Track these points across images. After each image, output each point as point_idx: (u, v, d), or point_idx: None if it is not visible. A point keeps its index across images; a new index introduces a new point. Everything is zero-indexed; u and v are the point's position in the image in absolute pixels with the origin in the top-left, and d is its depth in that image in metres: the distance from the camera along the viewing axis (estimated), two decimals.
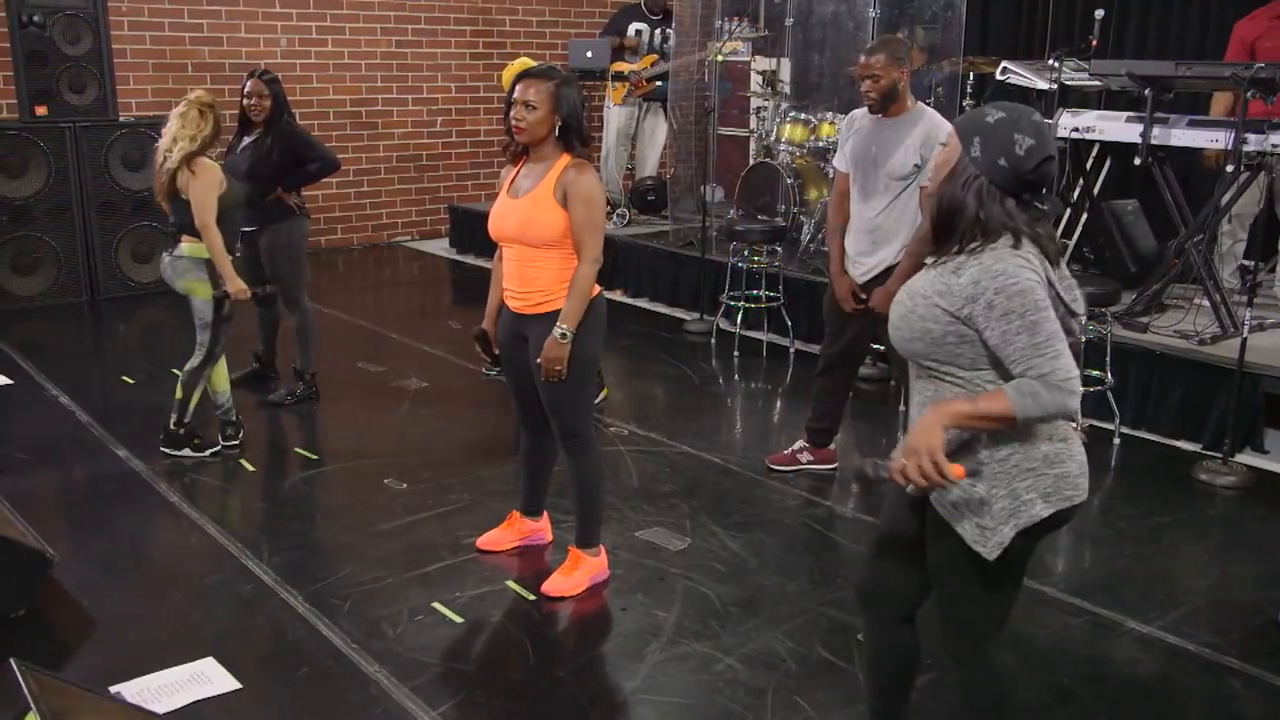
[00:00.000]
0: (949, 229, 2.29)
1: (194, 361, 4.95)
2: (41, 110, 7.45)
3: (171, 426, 4.99)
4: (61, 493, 4.83)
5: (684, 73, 9.03)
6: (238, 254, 5.07)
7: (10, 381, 6.07)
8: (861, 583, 2.72)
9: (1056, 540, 4.43)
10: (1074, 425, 2.37)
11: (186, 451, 5.01)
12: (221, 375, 5.08)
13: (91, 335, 5.21)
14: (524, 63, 6.37)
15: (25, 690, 2.42)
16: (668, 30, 9.07)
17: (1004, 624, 2.49)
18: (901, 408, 5.54)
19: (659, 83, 9.03)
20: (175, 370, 6.08)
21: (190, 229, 4.75)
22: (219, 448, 5.00)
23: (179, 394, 4.97)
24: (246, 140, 5.54)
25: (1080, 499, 2.35)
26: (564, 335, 3.53)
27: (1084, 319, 2.40)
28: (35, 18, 7.40)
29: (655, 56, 8.97)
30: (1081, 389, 2.22)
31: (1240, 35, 6.44)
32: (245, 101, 5.50)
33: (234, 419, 5.13)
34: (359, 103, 10.00)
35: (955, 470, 2.21)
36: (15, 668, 2.52)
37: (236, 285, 4.80)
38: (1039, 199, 2.30)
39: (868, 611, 2.72)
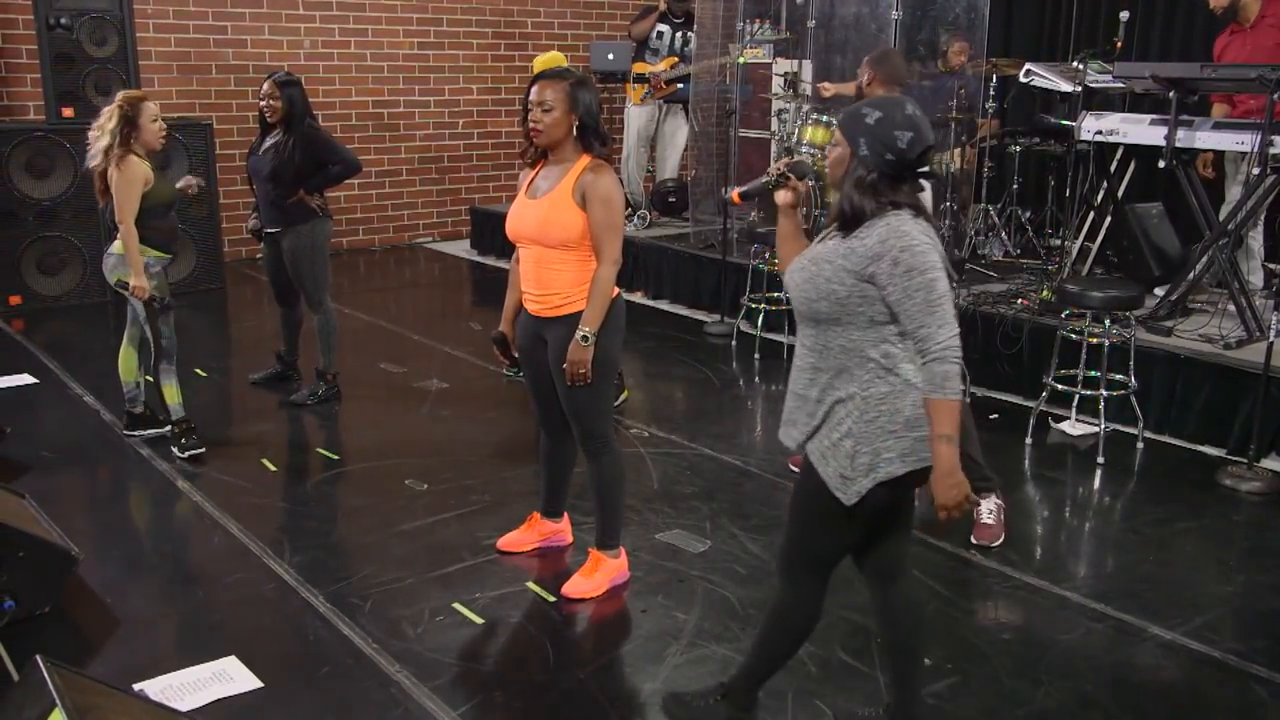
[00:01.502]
0: (857, 219, 2.57)
1: (151, 360, 5.02)
2: (68, 112, 7.51)
3: (167, 430, 5.11)
4: (86, 491, 4.86)
5: (705, 75, 9.02)
6: (174, 253, 5.13)
7: (36, 380, 6.13)
8: (779, 549, 3.00)
9: (1079, 544, 4.41)
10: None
11: (150, 431, 5.20)
12: (129, 365, 5.17)
13: (115, 335, 5.24)
14: (555, 56, 6.44)
15: (51, 687, 2.44)
16: (689, 33, 9.07)
17: (833, 562, 2.81)
18: None
19: (679, 85, 9.02)
20: (199, 370, 6.17)
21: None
22: (187, 455, 5.01)
23: (160, 396, 5.04)
24: (269, 142, 5.57)
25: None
26: (586, 338, 3.52)
27: (954, 285, 2.68)
28: (62, 20, 7.46)
29: (675, 59, 8.97)
30: (959, 343, 2.51)
31: (1215, 52, 6.52)
32: (260, 103, 5.54)
33: (143, 411, 5.23)
34: (381, 105, 10.04)
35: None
36: (41, 664, 2.53)
37: (138, 282, 4.82)
38: (926, 175, 2.63)
39: (785, 578, 2.93)
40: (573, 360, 3.53)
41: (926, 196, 3.90)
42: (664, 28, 9.04)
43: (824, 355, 2.64)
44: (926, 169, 2.61)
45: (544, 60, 6.30)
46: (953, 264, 5.92)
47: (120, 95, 4.87)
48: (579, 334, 3.52)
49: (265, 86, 5.51)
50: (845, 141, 2.61)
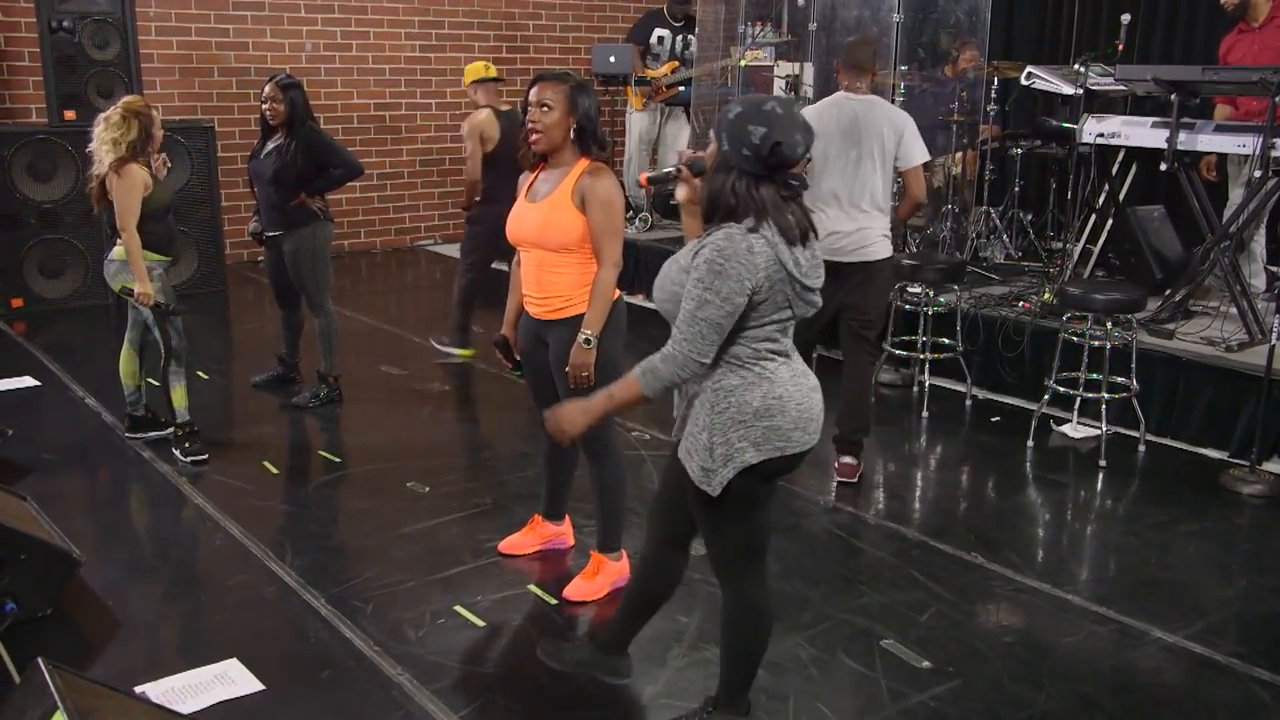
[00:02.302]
0: (712, 211, 2.61)
1: (160, 363, 5.02)
2: (70, 115, 7.51)
3: (169, 432, 5.11)
4: (87, 494, 4.86)
5: (707, 78, 9.03)
6: (174, 257, 5.13)
7: (38, 383, 6.13)
8: (648, 514, 3.09)
9: (1081, 547, 4.41)
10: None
11: (152, 434, 5.20)
12: (130, 368, 5.17)
13: (117, 338, 5.24)
14: (483, 66, 6.59)
15: (53, 689, 2.44)
16: (689, 37, 9.09)
17: (756, 556, 2.84)
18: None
19: (680, 88, 9.03)
20: (201, 373, 6.17)
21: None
22: (190, 460, 5.00)
23: (167, 398, 5.04)
24: (270, 145, 5.57)
25: (793, 449, 2.68)
26: (588, 341, 3.52)
27: (815, 296, 2.68)
28: (65, 23, 7.47)
29: (676, 63, 8.98)
30: (693, 367, 2.58)
31: (1220, 51, 6.53)
32: (262, 106, 5.54)
33: (144, 414, 5.23)
34: (383, 107, 10.05)
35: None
36: (43, 667, 2.53)
37: (144, 288, 4.83)
38: (791, 178, 2.58)
39: (648, 541, 3.11)
40: (575, 364, 3.53)
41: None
42: (664, 32, 9.05)
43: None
44: (793, 171, 2.59)
45: (473, 70, 6.56)
46: (954, 267, 5.92)
47: (124, 104, 4.85)
48: (581, 337, 3.52)
49: (267, 89, 5.51)
50: (715, 137, 2.64)
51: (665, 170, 3.04)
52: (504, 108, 6.41)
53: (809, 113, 4.97)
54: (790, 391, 2.67)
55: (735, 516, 2.75)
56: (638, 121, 9.15)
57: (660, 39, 9.03)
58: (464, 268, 6.61)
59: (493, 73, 6.56)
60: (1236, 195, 6.22)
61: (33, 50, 7.98)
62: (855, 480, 4.88)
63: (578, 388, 3.57)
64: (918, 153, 4.76)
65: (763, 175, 2.55)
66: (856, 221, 4.69)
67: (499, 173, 6.02)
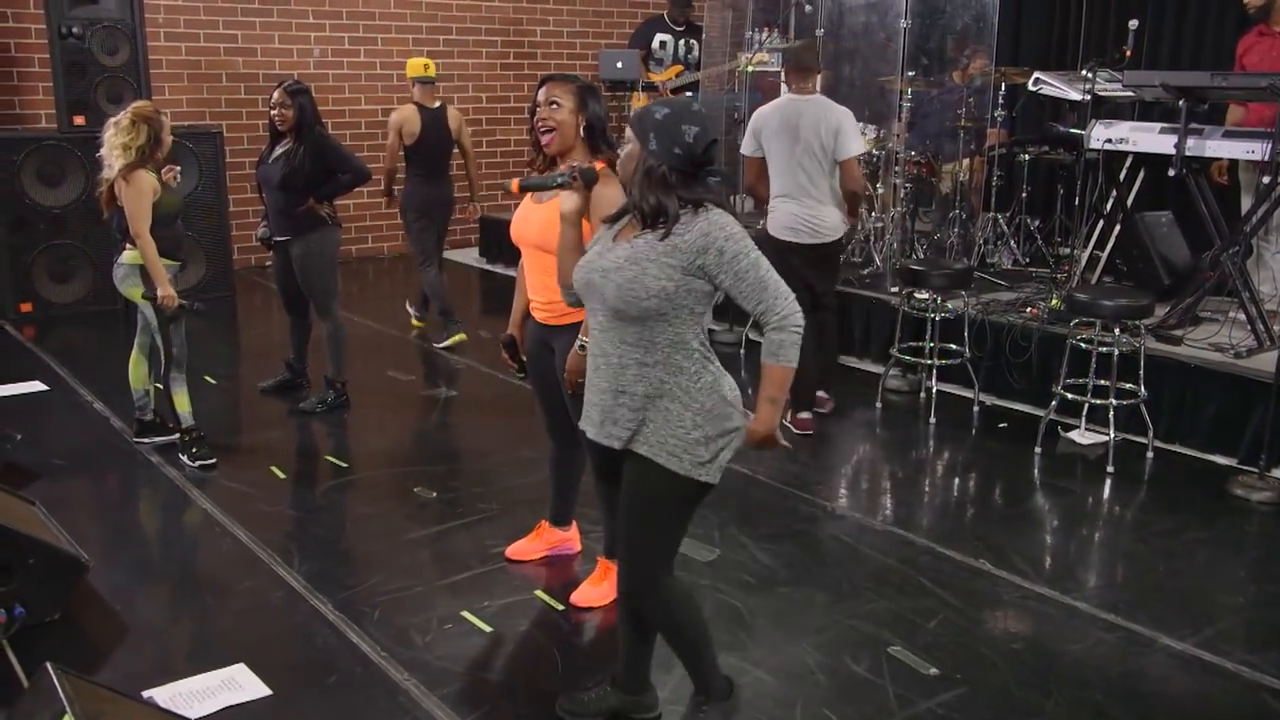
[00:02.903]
0: (661, 212, 2.68)
1: (161, 368, 5.04)
2: (79, 120, 7.54)
3: (176, 437, 5.13)
4: (96, 498, 4.87)
5: (713, 83, 9.04)
6: (182, 262, 5.16)
7: (46, 387, 6.15)
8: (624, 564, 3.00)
9: (1088, 554, 4.40)
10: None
11: (160, 439, 5.24)
12: (139, 373, 5.20)
13: (125, 343, 5.26)
14: (423, 65, 7.09)
15: (60, 693, 2.45)
16: (691, 41, 9.11)
17: (674, 554, 2.94)
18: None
19: (687, 94, 9.03)
20: (208, 378, 6.18)
21: (131, 237, 4.84)
22: (198, 465, 5.01)
23: (170, 404, 5.06)
24: (278, 150, 5.59)
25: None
26: (583, 347, 3.52)
27: None
28: (74, 29, 7.50)
29: (680, 67, 9.00)
30: (799, 309, 2.72)
31: (1238, 51, 6.51)
32: (270, 112, 5.55)
33: (152, 419, 5.26)
34: (390, 113, 10.03)
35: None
36: (51, 671, 2.54)
37: (166, 290, 4.86)
38: (713, 173, 2.73)
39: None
40: (570, 369, 3.52)
41: None
42: (666, 37, 9.07)
43: (650, 350, 2.74)
44: (714, 166, 2.73)
45: (413, 66, 7.18)
46: (962, 273, 5.92)
47: (135, 109, 4.87)
48: (577, 343, 3.52)
49: (276, 95, 5.53)
50: (636, 138, 2.71)
51: (552, 176, 3.07)
52: (432, 105, 7.05)
53: (759, 114, 5.64)
54: (731, 385, 2.83)
55: (687, 509, 2.87)
56: None
57: (662, 44, 9.06)
58: (420, 260, 7.11)
59: (431, 72, 7.18)
60: (1249, 203, 6.20)
61: (42, 56, 8.02)
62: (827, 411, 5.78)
63: (574, 393, 3.57)
64: (852, 147, 5.39)
65: (689, 171, 2.68)
66: (808, 209, 5.43)
67: (420, 163, 7.03)
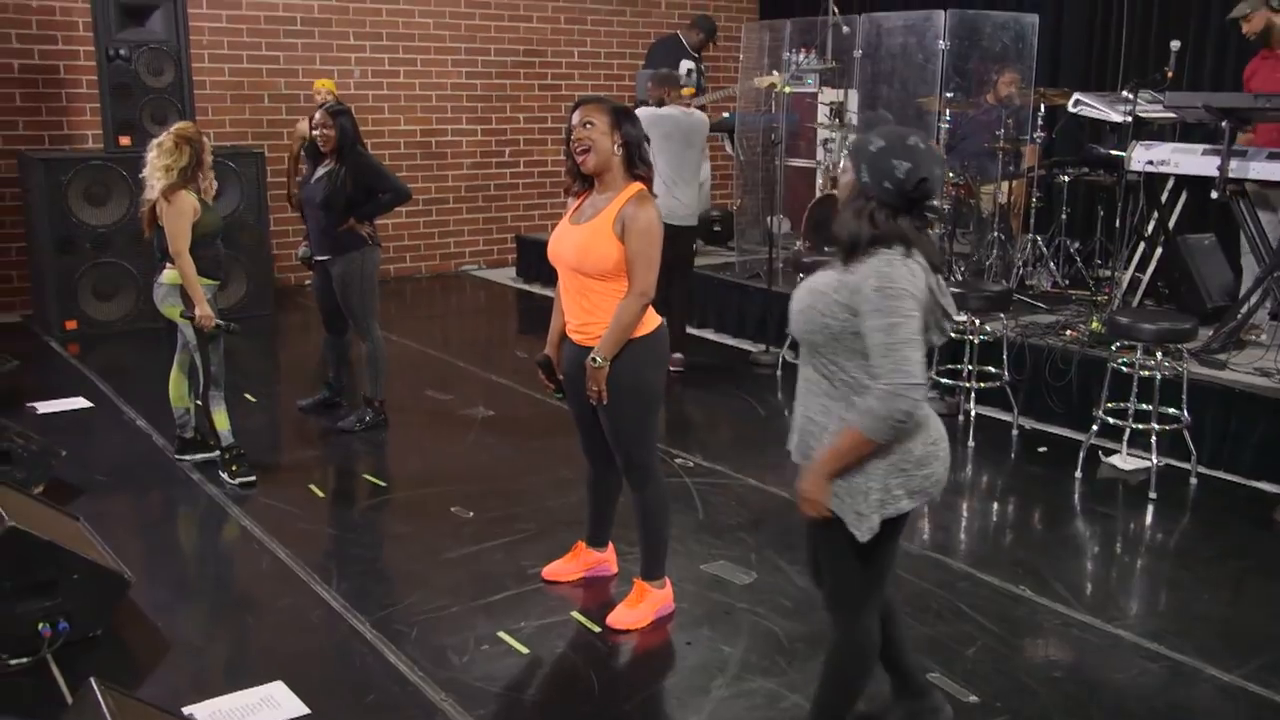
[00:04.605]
0: (853, 245, 2.61)
1: (200, 387, 5.08)
2: (125, 141, 7.66)
3: (216, 455, 5.18)
4: (138, 515, 4.92)
5: (750, 103, 9.05)
6: (221, 279, 5.19)
7: (91, 405, 6.22)
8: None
9: (1131, 581, 4.35)
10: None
11: (200, 456, 5.28)
12: (179, 391, 5.24)
13: (168, 360, 5.31)
14: (332, 84, 7.66)
15: (104, 709, 2.47)
16: (703, 67, 9.21)
17: (875, 592, 2.82)
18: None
19: (725, 114, 9.06)
20: (249, 396, 6.23)
21: (171, 256, 4.89)
22: (238, 483, 5.04)
23: (210, 423, 5.11)
24: (320, 171, 5.65)
25: (937, 492, 2.78)
26: (595, 361, 3.54)
27: (953, 323, 2.79)
28: (122, 51, 7.62)
29: (693, 90, 9.03)
30: (920, 390, 2.55)
31: (1244, 75, 6.53)
32: (313, 132, 5.62)
33: (193, 436, 5.30)
34: (429, 133, 10.15)
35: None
36: (94, 686, 2.57)
37: (204, 310, 4.90)
38: (927, 210, 2.65)
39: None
40: (588, 378, 3.57)
41: None
42: (690, 64, 9.11)
43: (831, 385, 2.69)
44: (931, 203, 2.65)
45: (322, 83, 7.85)
46: (1001, 295, 5.88)
47: (177, 130, 4.94)
48: (591, 356, 3.54)
49: (318, 116, 5.60)
50: (852, 169, 2.66)
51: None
52: None
53: (650, 116, 6.25)
54: (942, 434, 2.72)
55: (866, 554, 2.73)
56: None
57: (689, 71, 9.08)
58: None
59: (334, 94, 7.99)
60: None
61: (90, 78, 8.15)
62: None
63: (610, 410, 3.60)
64: None
65: (900, 207, 2.60)
66: (689, 196, 6.68)
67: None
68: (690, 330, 8.17)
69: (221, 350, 5.06)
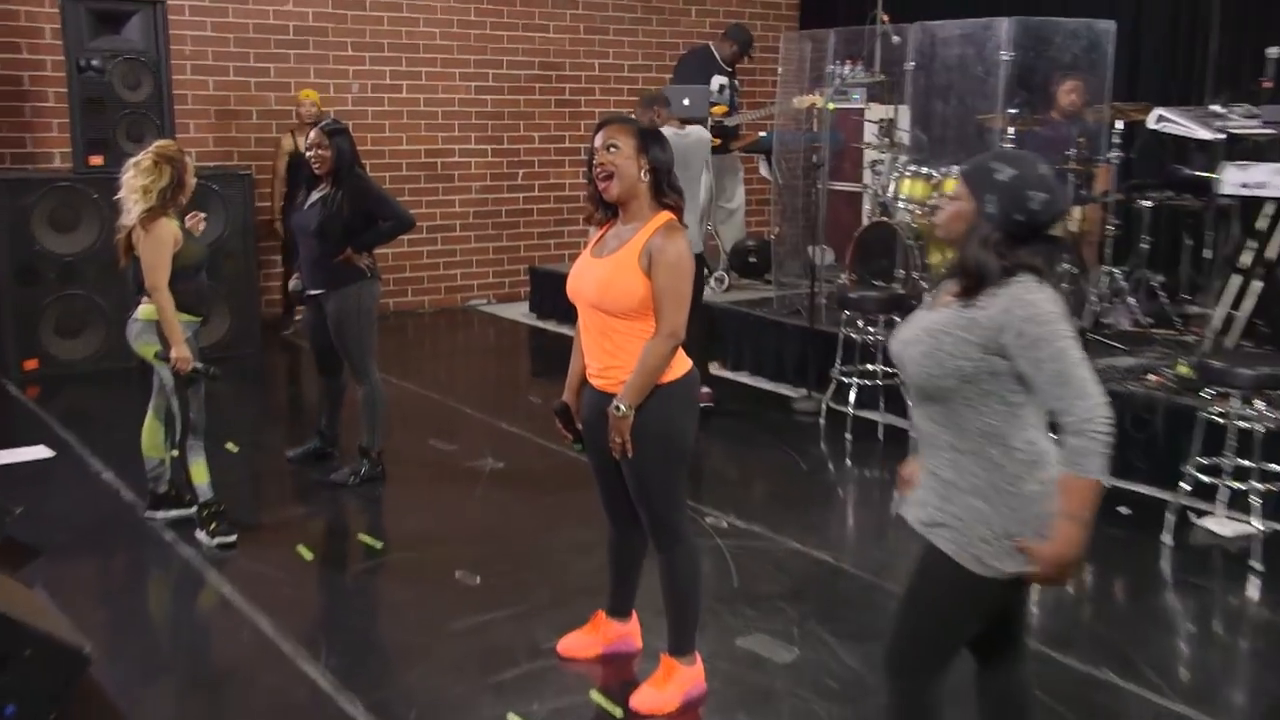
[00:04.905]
0: (982, 279, 2.61)
1: (177, 435, 5.05)
2: (96, 160, 7.67)
3: (193, 512, 5.13)
4: (102, 580, 4.89)
5: (790, 121, 9.04)
6: (204, 316, 5.19)
7: (52, 454, 6.21)
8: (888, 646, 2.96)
9: (1233, 666, 4.25)
10: None
11: (175, 513, 5.22)
12: (154, 439, 5.20)
13: (139, 405, 5.29)
14: (310, 94, 7.90)
15: None
16: (736, 82, 9.21)
17: (949, 654, 2.80)
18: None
19: (761, 134, 9.05)
20: (230, 445, 6.22)
21: (148, 289, 4.87)
22: (216, 543, 5.00)
23: (186, 475, 5.07)
24: (314, 195, 5.65)
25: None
26: (618, 409, 3.52)
27: None
28: (94, 62, 7.66)
29: (725, 107, 9.02)
30: (1108, 408, 2.54)
31: None
32: (306, 153, 5.62)
33: (167, 490, 5.25)
34: (434, 153, 10.21)
35: None
36: None
37: (181, 352, 4.86)
38: (1049, 238, 2.68)
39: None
40: (610, 428, 3.54)
41: None
42: (723, 79, 9.12)
43: (961, 435, 2.66)
44: (1054, 233, 2.68)
45: (306, 94, 8.19)
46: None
47: (156, 149, 4.96)
48: (614, 404, 3.52)
49: (312, 134, 5.61)
50: (970, 196, 2.65)
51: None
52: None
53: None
54: (1053, 466, 2.68)
55: (968, 604, 2.73)
56: (706, 171, 9.16)
57: (721, 88, 9.09)
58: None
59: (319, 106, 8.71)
60: None
61: (58, 90, 8.23)
62: None
63: (635, 463, 3.56)
64: None
65: (1023, 238, 2.62)
66: (690, 221, 6.84)
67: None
68: (723, 373, 8.14)
69: (202, 394, 5.04)
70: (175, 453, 5.14)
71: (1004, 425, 2.62)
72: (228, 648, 4.23)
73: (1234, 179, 6.17)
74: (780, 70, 9.28)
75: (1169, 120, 6.98)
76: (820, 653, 4.13)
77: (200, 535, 5.04)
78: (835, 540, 5.22)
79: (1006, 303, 2.57)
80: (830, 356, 7.07)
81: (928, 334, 2.67)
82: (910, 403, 2.78)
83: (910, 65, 8.16)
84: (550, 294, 9.79)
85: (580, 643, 4.11)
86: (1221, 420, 5.17)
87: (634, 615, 4.14)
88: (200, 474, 5.04)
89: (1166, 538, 5.16)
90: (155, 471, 5.27)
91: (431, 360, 8.85)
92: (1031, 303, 2.56)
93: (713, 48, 9.35)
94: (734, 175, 9.61)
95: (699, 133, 7.11)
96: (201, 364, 4.97)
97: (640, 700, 3.75)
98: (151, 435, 5.23)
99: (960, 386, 2.62)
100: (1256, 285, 6.58)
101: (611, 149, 3.53)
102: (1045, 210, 2.59)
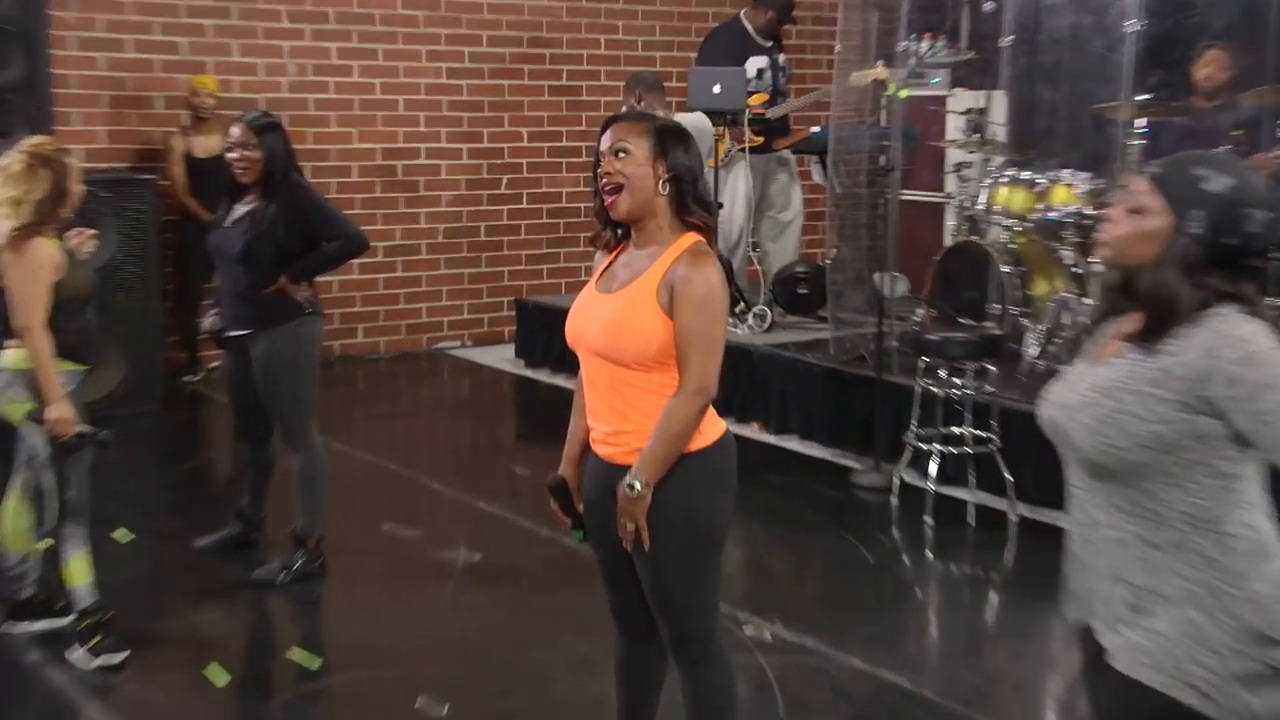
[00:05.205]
0: (1172, 315, 2.56)
1: (49, 520, 5.00)
2: None
3: (68, 623, 5.07)
4: None
5: (850, 112, 9.06)
6: (91, 364, 5.18)
7: None
8: None
9: None
10: None
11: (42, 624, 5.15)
12: (18, 527, 5.15)
13: (0, 482, 5.27)
14: (206, 80, 8.19)
15: None
16: (780, 59, 9.23)
17: None
18: None
19: (814, 129, 9.09)
20: (122, 532, 6.16)
21: (16, 330, 4.85)
22: (98, 664, 4.94)
23: (61, 575, 5.03)
24: (240, 210, 5.64)
25: None
26: (634, 488, 3.48)
27: None
28: None
29: (765, 95, 9.05)
30: None
31: None
32: (228, 154, 5.61)
33: (34, 595, 5.20)
34: (394, 154, 10.25)
35: None
36: None
37: (59, 411, 4.82)
38: (1252, 262, 2.61)
39: None
40: (620, 512, 3.50)
41: None
42: (762, 63, 9.15)
43: (1157, 525, 2.58)
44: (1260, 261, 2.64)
45: (201, 81, 8.55)
46: None
47: (30, 148, 4.96)
48: (626, 481, 3.48)
49: (236, 131, 5.59)
50: (1165, 210, 2.58)
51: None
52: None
53: None
54: None
55: None
56: (744, 176, 9.16)
57: (761, 71, 9.12)
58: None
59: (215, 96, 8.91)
60: None
61: None
62: None
63: (653, 557, 3.55)
64: None
65: (1227, 265, 2.57)
66: None
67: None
68: (764, 436, 8.12)
69: (86, 467, 5.02)
70: (47, 544, 5.11)
71: (1215, 505, 2.54)
72: None
73: None
74: (838, 47, 9.24)
75: None
76: None
77: (77, 654, 4.99)
78: (911, 657, 5.19)
79: (1208, 343, 2.51)
80: (904, 416, 7.06)
81: (1102, 394, 2.62)
82: (1075, 485, 2.69)
83: (1008, 40, 8.20)
84: (542, 335, 9.82)
85: None
86: None
87: None
88: (80, 572, 5.01)
89: None
90: (18, 570, 5.22)
91: (388, 420, 8.86)
92: (1242, 339, 2.49)
93: (744, 18, 9.36)
94: (788, 177, 9.56)
95: (697, 121, 7.27)
96: (87, 427, 4.95)
97: None
98: (15, 521, 5.19)
99: (1156, 459, 2.55)
100: None
101: (621, 154, 3.51)
102: (1267, 233, 2.54)
